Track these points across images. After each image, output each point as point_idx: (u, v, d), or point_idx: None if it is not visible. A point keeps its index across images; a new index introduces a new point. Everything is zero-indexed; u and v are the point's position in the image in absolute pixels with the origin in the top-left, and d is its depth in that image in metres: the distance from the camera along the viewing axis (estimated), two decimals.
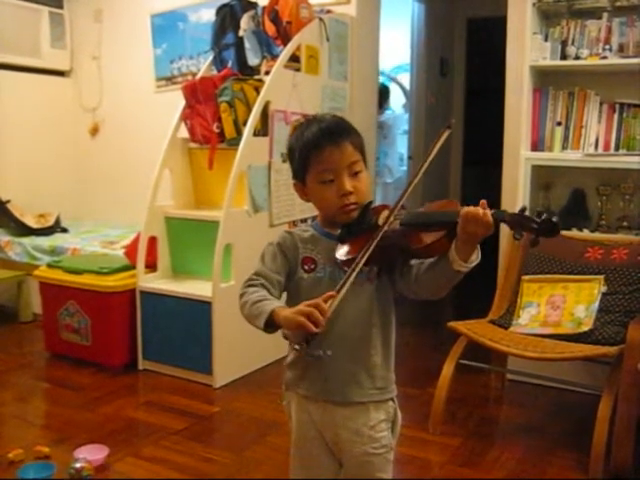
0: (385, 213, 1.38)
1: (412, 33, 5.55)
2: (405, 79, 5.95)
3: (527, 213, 1.25)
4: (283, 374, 1.52)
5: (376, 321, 1.42)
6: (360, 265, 1.30)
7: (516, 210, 1.27)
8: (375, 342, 1.43)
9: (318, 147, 1.39)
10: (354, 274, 1.30)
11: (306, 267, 1.42)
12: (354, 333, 1.41)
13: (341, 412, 1.43)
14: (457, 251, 1.28)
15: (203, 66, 3.93)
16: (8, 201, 4.44)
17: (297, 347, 1.30)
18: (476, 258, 1.30)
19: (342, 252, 1.38)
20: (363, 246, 1.33)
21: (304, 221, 3.60)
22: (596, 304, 2.72)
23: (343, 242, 1.39)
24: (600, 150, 3.06)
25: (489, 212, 1.24)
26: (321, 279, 1.41)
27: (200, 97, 3.47)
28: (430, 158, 1.36)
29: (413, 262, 1.38)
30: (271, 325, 1.31)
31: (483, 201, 1.26)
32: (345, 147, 1.39)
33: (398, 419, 1.50)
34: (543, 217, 1.22)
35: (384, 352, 1.45)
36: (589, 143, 3.08)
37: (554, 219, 1.22)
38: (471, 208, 1.25)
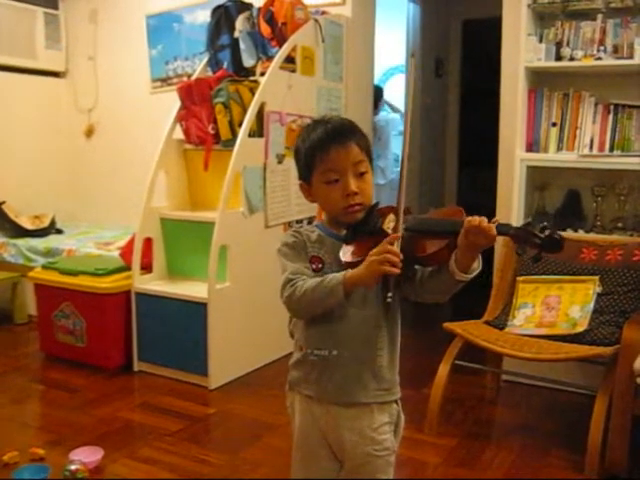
0: (392, 216, 1.38)
1: (407, 34, 5.54)
2: (400, 80, 5.94)
3: (532, 227, 1.24)
4: (287, 374, 1.52)
5: (382, 322, 1.42)
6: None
7: (521, 224, 1.26)
8: (381, 343, 1.42)
9: (324, 147, 1.39)
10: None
11: (314, 266, 1.41)
12: (360, 333, 1.40)
13: (345, 413, 1.43)
14: (457, 263, 1.29)
15: (198, 67, 3.92)
16: (3, 202, 4.43)
17: (390, 295, 1.26)
18: (477, 267, 1.31)
19: (347, 253, 1.37)
20: (369, 248, 1.33)
21: (299, 222, 3.60)
22: (591, 305, 2.73)
23: (348, 243, 1.39)
24: (595, 151, 3.06)
25: (493, 225, 1.24)
26: None
27: (195, 98, 3.47)
28: (410, 99, 1.54)
29: (417, 266, 1.39)
30: (347, 294, 1.31)
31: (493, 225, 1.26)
32: (351, 147, 1.39)
33: (401, 422, 1.49)
34: (546, 232, 1.21)
35: (390, 353, 1.44)
36: (584, 144, 3.08)
37: (557, 235, 1.21)
38: (475, 218, 1.26)
